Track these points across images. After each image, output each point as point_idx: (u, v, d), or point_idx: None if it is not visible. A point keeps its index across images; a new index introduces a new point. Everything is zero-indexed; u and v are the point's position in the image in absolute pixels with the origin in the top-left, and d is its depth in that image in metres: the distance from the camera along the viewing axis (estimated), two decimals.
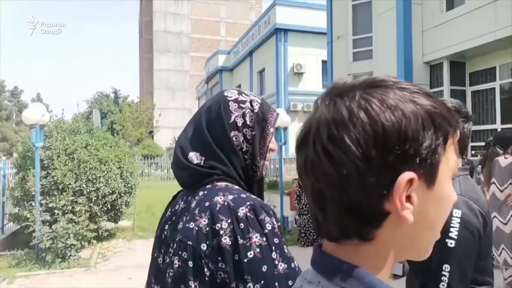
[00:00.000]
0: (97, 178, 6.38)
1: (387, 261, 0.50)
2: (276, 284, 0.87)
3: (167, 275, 0.94)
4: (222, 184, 0.99)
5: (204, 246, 0.88)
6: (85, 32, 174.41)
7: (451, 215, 1.26)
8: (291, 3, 22.05)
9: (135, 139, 25.74)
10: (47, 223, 5.79)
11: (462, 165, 1.40)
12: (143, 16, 55.26)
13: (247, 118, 1.03)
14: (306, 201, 5.20)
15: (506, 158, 3.91)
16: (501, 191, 3.86)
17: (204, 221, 0.90)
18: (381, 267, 0.50)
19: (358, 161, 0.45)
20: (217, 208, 0.91)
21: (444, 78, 10.19)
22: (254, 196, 0.97)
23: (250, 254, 0.86)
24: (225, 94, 1.07)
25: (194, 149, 1.01)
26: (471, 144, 8.84)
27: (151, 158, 23.55)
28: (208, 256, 0.88)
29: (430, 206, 0.49)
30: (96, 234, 6.45)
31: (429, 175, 0.47)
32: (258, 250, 0.87)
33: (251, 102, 1.05)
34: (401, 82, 0.49)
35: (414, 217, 0.46)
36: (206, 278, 0.87)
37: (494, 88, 9.60)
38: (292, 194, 7.54)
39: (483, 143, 6.75)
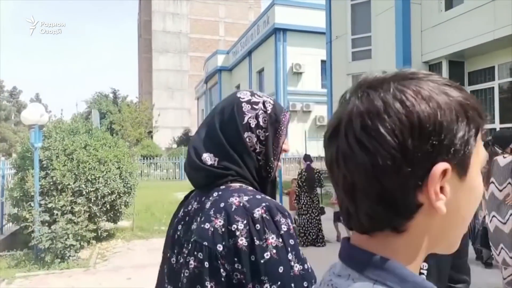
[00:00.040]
0: (96, 178, 6.38)
1: (418, 254, 0.50)
2: (292, 285, 0.87)
3: (182, 275, 0.94)
4: (236, 185, 1.00)
5: (220, 247, 0.89)
6: (84, 32, 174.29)
7: None
8: (290, 3, 22.04)
9: (134, 139, 25.73)
10: (46, 224, 5.78)
11: None
12: (142, 16, 55.22)
13: (260, 119, 1.03)
14: (305, 201, 5.21)
15: (505, 157, 3.91)
16: (500, 191, 3.86)
17: (220, 222, 0.91)
18: (412, 260, 0.50)
19: (394, 151, 0.45)
20: (233, 209, 0.91)
21: None
22: (269, 197, 0.97)
23: (267, 255, 0.87)
24: (238, 95, 1.07)
25: (207, 150, 1.02)
26: None
27: (150, 158, 23.54)
28: (224, 256, 0.88)
29: (462, 197, 0.49)
30: (95, 234, 6.44)
31: (461, 166, 0.47)
32: (274, 251, 0.87)
33: (264, 103, 1.06)
34: (432, 74, 0.50)
35: (446, 208, 0.46)
36: (222, 279, 0.87)
37: (493, 88, 9.60)
38: (291, 194, 7.54)
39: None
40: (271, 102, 1.07)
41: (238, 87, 29.30)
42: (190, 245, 0.94)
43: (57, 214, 5.82)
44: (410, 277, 0.47)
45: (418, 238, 0.49)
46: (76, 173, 6.25)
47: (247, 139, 1.01)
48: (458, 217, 0.50)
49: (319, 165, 14.43)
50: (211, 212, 0.93)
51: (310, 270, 0.92)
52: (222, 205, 0.93)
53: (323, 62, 18.52)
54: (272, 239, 0.88)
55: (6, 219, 6.79)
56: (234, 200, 0.93)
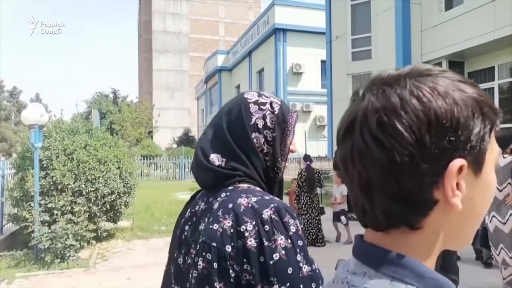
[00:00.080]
0: (96, 178, 6.38)
1: (433, 250, 0.50)
2: (301, 286, 0.87)
3: (190, 275, 0.94)
4: (244, 185, 1.00)
5: (228, 248, 0.89)
6: (84, 32, 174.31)
7: None
8: (290, 3, 22.06)
9: (134, 139, 25.73)
10: (46, 224, 5.78)
11: None
12: (142, 16, 55.23)
13: (268, 120, 1.03)
14: (305, 201, 5.20)
15: (504, 157, 3.92)
16: (500, 191, 3.87)
17: (228, 222, 0.91)
18: (428, 257, 0.50)
19: (411, 148, 0.45)
20: (241, 210, 0.91)
21: None
22: (277, 198, 0.97)
23: (276, 256, 0.87)
24: (245, 96, 1.07)
25: (215, 151, 1.02)
26: None
27: (150, 158, 23.54)
28: (233, 257, 0.88)
29: (477, 193, 0.49)
30: (95, 234, 6.44)
31: (477, 162, 0.48)
32: (283, 252, 0.87)
33: (271, 103, 1.06)
34: (446, 71, 0.50)
35: (461, 204, 0.46)
36: (231, 280, 0.88)
37: (492, 88, 9.61)
38: (291, 194, 7.54)
39: None
40: (278, 102, 1.08)
41: (238, 87, 29.31)
42: (198, 245, 0.94)
43: (57, 214, 5.82)
44: (427, 274, 0.48)
45: (433, 235, 0.49)
46: (76, 173, 6.25)
47: (255, 140, 1.02)
48: (472, 213, 0.50)
49: (319, 165, 14.44)
50: (219, 213, 0.93)
51: (317, 271, 0.92)
52: (230, 206, 0.93)
53: (323, 62, 18.54)
54: (281, 240, 0.88)
55: (6, 219, 6.79)
56: (243, 201, 0.93)
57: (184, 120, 48.32)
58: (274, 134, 1.03)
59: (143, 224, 8.50)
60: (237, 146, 1.01)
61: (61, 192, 6.08)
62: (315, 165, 7.85)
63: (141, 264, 5.84)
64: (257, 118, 1.03)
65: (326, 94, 14.49)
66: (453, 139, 0.45)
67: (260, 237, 0.88)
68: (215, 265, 0.89)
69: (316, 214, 6.87)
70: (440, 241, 0.50)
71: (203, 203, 1.03)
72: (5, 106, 51.75)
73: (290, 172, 16.43)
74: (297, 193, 7.09)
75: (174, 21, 50.53)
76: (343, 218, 6.84)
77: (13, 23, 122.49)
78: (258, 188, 1.00)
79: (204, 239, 0.92)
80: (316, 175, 7.02)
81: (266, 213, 0.90)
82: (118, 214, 7.20)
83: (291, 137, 1.08)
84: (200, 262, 0.91)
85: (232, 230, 0.90)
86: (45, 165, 6.17)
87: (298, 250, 0.89)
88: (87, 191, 6.28)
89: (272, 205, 0.92)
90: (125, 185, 7.00)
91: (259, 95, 1.08)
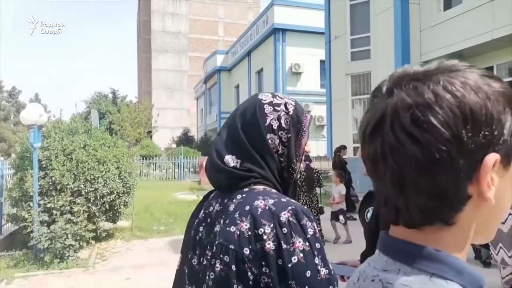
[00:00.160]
0: (96, 178, 6.37)
1: (466, 245, 0.51)
2: None
3: (207, 277, 0.94)
4: (260, 187, 0.99)
5: (246, 250, 0.89)
6: (83, 32, 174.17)
7: None
8: (289, 3, 22.06)
9: (133, 139, 25.71)
10: (45, 224, 5.78)
11: None
12: (141, 16, 55.19)
13: (282, 121, 1.03)
14: (304, 200, 5.20)
15: None
16: None
17: (246, 225, 0.91)
18: (461, 251, 0.50)
19: (448, 144, 0.45)
20: (259, 212, 0.91)
21: None
22: (294, 201, 0.97)
23: (294, 259, 0.87)
24: (260, 97, 1.07)
25: (230, 152, 1.02)
26: None
27: (149, 158, 23.51)
28: (251, 260, 0.88)
29: (506, 187, 0.49)
30: (94, 234, 6.44)
31: (507, 156, 0.48)
32: (301, 255, 0.88)
33: (285, 104, 1.06)
34: (471, 66, 0.50)
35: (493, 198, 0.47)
36: (250, 282, 0.88)
37: None
38: None
39: None
40: (293, 103, 1.08)
41: (237, 87, 29.32)
42: (215, 247, 0.94)
43: (56, 214, 5.82)
44: (466, 269, 0.48)
45: (465, 230, 0.50)
46: (75, 173, 6.24)
47: (270, 141, 1.02)
48: (501, 206, 0.51)
49: (318, 165, 14.43)
50: (236, 215, 0.93)
51: (333, 272, 0.92)
52: (247, 208, 0.93)
53: (322, 62, 18.55)
54: (299, 243, 0.88)
55: (5, 219, 6.78)
56: (260, 203, 0.93)
57: (183, 120, 48.30)
58: (289, 135, 1.04)
59: (142, 224, 8.49)
60: (252, 147, 1.01)
61: (60, 192, 6.08)
62: (314, 165, 7.86)
63: (140, 264, 5.84)
64: (272, 119, 1.03)
65: (325, 94, 14.50)
66: (488, 133, 0.46)
67: (278, 240, 0.88)
68: (233, 267, 0.89)
69: (315, 214, 6.87)
70: (470, 236, 0.50)
71: (217, 204, 1.03)
72: (4, 106, 51.68)
73: None
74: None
75: (173, 21, 50.51)
76: (341, 217, 6.85)
77: (13, 23, 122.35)
78: (273, 190, 1.00)
79: (221, 241, 0.92)
80: (315, 175, 7.02)
81: (284, 216, 0.90)
82: (117, 214, 7.20)
83: (306, 138, 1.08)
84: (217, 265, 0.91)
85: (249, 233, 0.90)
86: (44, 165, 6.17)
87: (316, 252, 0.90)
88: (86, 191, 6.27)
89: (290, 207, 0.92)
90: (124, 185, 6.99)
91: (274, 96, 1.08)
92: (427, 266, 0.48)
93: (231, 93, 30.50)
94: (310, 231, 0.91)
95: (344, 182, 7.48)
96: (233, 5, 52.20)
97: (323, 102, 15.52)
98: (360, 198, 2.04)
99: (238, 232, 0.91)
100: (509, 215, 3.99)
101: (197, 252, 1.02)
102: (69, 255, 5.74)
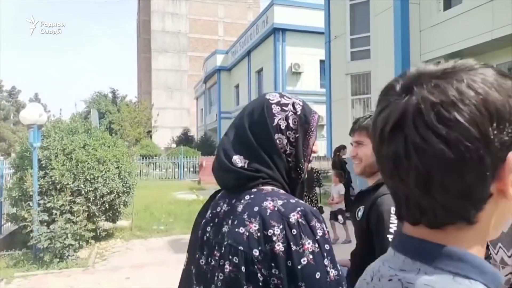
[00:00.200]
0: (95, 178, 6.38)
1: (484, 243, 0.51)
2: None
3: (215, 278, 0.94)
4: (268, 188, 0.99)
5: (256, 252, 0.89)
6: (83, 32, 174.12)
7: (390, 213, 1.39)
8: (289, 3, 22.06)
9: (133, 139, 25.72)
10: (45, 223, 5.78)
11: None
12: (141, 15, 55.16)
13: (290, 121, 1.03)
14: (304, 200, 5.22)
15: None
16: None
17: (255, 226, 0.91)
18: (480, 250, 0.50)
19: (476, 142, 0.44)
20: (268, 214, 0.91)
21: None
22: (302, 202, 0.97)
23: (304, 260, 0.87)
24: (267, 97, 1.07)
25: (237, 152, 1.02)
26: None
27: (149, 158, 23.52)
28: (261, 261, 0.88)
29: None
30: (94, 234, 6.44)
31: None
32: (311, 256, 0.88)
33: (293, 104, 1.06)
34: (485, 64, 0.50)
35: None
36: (260, 284, 0.88)
37: None
38: None
39: None
40: (300, 103, 1.07)
41: (237, 87, 29.31)
42: (223, 248, 0.94)
43: (56, 214, 5.82)
44: (486, 268, 0.48)
45: (485, 228, 0.49)
46: (75, 173, 6.24)
47: (278, 141, 1.01)
48: None
49: (318, 165, 14.44)
50: (245, 216, 0.93)
51: (341, 273, 0.92)
52: (256, 209, 0.93)
53: (322, 62, 18.54)
54: (308, 244, 0.88)
55: (4, 219, 6.78)
56: (268, 204, 0.93)
57: (183, 120, 48.29)
58: (297, 135, 1.03)
59: (142, 223, 8.49)
60: (260, 148, 1.00)
61: (60, 191, 6.08)
62: (314, 164, 7.85)
63: (140, 263, 5.84)
64: (279, 119, 1.02)
65: (325, 93, 14.50)
66: (511, 131, 0.46)
67: (287, 241, 0.88)
68: (243, 269, 0.89)
69: None
70: (489, 233, 0.50)
71: (225, 205, 1.03)
72: (4, 105, 51.66)
73: None
74: None
75: (173, 21, 50.49)
76: (340, 217, 6.85)
77: (14, 23, 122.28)
78: (282, 191, 1.00)
79: (230, 242, 0.92)
80: (315, 175, 7.02)
81: (293, 217, 0.90)
82: (117, 214, 7.20)
83: (314, 138, 1.08)
84: (226, 266, 0.91)
85: (259, 234, 0.90)
86: (44, 165, 6.17)
87: (325, 254, 0.90)
88: (86, 190, 6.27)
89: (299, 208, 0.92)
90: (124, 184, 6.99)
91: (281, 96, 1.08)
92: (449, 265, 0.47)
93: (231, 92, 30.50)
94: (319, 232, 0.91)
95: (344, 182, 7.48)
96: (233, 5, 52.19)
97: (323, 102, 15.51)
98: None
99: (247, 233, 0.91)
100: None
101: (204, 252, 1.02)
102: (68, 255, 5.74)
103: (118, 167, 6.90)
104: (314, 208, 0.96)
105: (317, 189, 7.17)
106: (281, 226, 0.89)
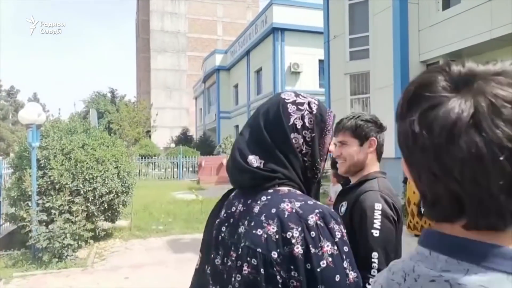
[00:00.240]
0: (94, 177, 6.37)
1: None
2: None
3: (233, 279, 0.93)
4: (285, 189, 0.98)
5: (274, 254, 0.88)
6: (83, 32, 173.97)
7: (373, 209, 1.43)
8: (288, 3, 22.05)
9: (132, 138, 25.69)
10: (44, 223, 5.77)
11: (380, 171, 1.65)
12: (140, 15, 55.12)
13: (306, 120, 1.02)
14: None
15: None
16: None
17: (273, 228, 0.90)
18: None
19: None
20: (286, 216, 0.90)
21: None
22: (320, 203, 0.96)
23: (323, 263, 0.86)
24: (283, 96, 1.06)
25: (253, 152, 1.01)
26: None
27: (148, 158, 23.50)
28: (280, 264, 0.88)
29: None
30: (93, 234, 6.43)
31: None
32: (330, 259, 0.87)
33: (309, 103, 1.05)
34: None
35: None
36: (279, 286, 0.87)
37: None
38: None
39: None
40: (316, 102, 1.07)
41: (236, 86, 29.30)
42: (240, 250, 0.93)
43: (54, 214, 5.81)
44: None
45: None
46: (74, 173, 6.24)
47: (294, 140, 1.00)
48: None
49: None
50: (263, 218, 0.92)
51: (359, 274, 0.92)
52: (273, 211, 0.92)
53: (321, 61, 18.55)
54: (327, 247, 0.88)
55: (3, 219, 6.77)
56: (286, 206, 0.92)
57: (182, 120, 48.27)
58: (313, 134, 1.03)
59: (141, 223, 8.49)
60: (276, 147, 1.00)
61: (59, 191, 6.07)
62: None
63: (139, 263, 5.84)
64: (295, 118, 1.02)
65: (324, 93, 14.50)
66: None
67: (306, 244, 0.87)
68: (262, 271, 0.88)
69: None
70: None
71: (240, 205, 1.02)
72: (3, 105, 51.58)
73: None
74: None
75: (172, 20, 50.45)
76: None
77: (13, 23, 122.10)
78: (298, 192, 0.99)
79: (247, 244, 0.92)
80: None
81: (312, 219, 0.89)
82: (116, 214, 7.19)
83: (329, 137, 1.07)
84: (245, 267, 0.91)
85: (277, 236, 0.89)
86: (42, 165, 6.16)
87: (344, 256, 0.89)
88: (85, 190, 6.27)
89: (317, 210, 0.91)
90: (123, 184, 6.99)
91: (296, 95, 1.07)
92: (502, 264, 0.46)
93: (230, 92, 30.49)
94: (338, 235, 0.90)
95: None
96: (232, 4, 52.17)
97: (322, 102, 15.53)
98: None
99: (265, 236, 0.90)
100: None
101: (220, 252, 1.01)
102: (67, 255, 5.73)
103: (117, 167, 6.90)
104: (332, 210, 0.95)
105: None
106: (299, 229, 0.88)
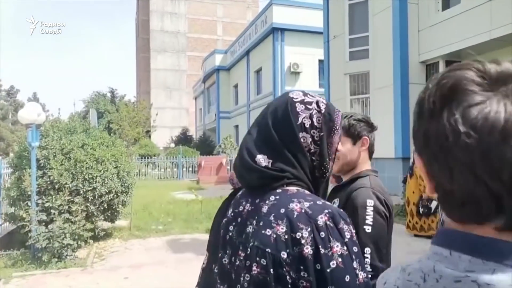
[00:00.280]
0: (94, 177, 6.37)
1: None
2: None
3: (242, 278, 0.93)
4: (293, 188, 0.98)
5: (284, 254, 0.88)
6: (83, 32, 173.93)
7: (365, 205, 1.45)
8: (288, 3, 22.06)
9: (132, 138, 25.68)
10: (43, 223, 5.77)
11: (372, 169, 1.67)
12: (140, 15, 55.13)
13: (315, 119, 1.02)
14: None
15: None
16: None
17: (282, 228, 0.90)
18: None
19: None
20: (295, 216, 0.90)
21: None
22: (329, 203, 0.96)
23: (333, 264, 0.87)
24: (291, 95, 1.06)
25: (261, 151, 1.00)
26: None
27: (148, 158, 23.50)
28: (289, 264, 0.88)
29: None
30: (92, 233, 6.42)
31: None
32: (340, 259, 0.87)
33: (317, 103, 1.05)
34: None
35: None
36: (289, 286, 0.87)
37: None
38: None
39: None
40: (324, 102, 1.07)
41: (236, 86, 29.30)
42: (249, 249, 0.93)
43: (54, 214, 5.81)
44: None
45: None
46: (74, 173, 6.23)
47: (302, 140, 1.00)
48: None
49: None
50: (271, 218, 0.92)
51: (368, 274, 0.92)
52: (282, 211, 0.92)
53: (320, 61, 18.54)
54: (337, 247, 0.88)
55: (3, 219, 6.77)
56: (295, 206, 0.92)
57: (182, 120, 48.28)
58: (322, 134, 1.02)
59: (140, 223, 8.48)
60: (284, 146, 0.99)
61: (59, 191, 6.07)
62: None
63: (138, 263, 5.84)
64: (304, 118, 1.01)
65: (324, 93, 14.49)
66: None
67: (316, 245, 0.87)
68: (271, 271, 0.88)
69: None
70: None
71: (248, 204, 1.02)
72: (2, 105, 51.57)
73: None
74: None
75: (172, 20, 50.45)
76: None
77: (13, 23, 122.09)
78: (307, 192, 0.99)
79: (256, 244, 0.92)
80: None
81: (321, 220, 0.89)
82: (115, 214, 7.19)
83: (338, 137, 1.07)
84: (254, 267, 0.90)
85: (286, 237, 0.89)
86: (42, 165, 6.16)
87: (354, 256, 0.89)
88: (85, 190, 6.27)
89: (326, 210, 0.91)
90: (122, 184, 6.98)
91: (305, 94, 1.07)
92: None
93: (230, 92, 30.49)
94: (347, 235, 0.90)
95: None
96: (232, 4, 52.18)
97: None
98: None
99: (274, 236, 0.90)
100: None
101: (227, 251, 1.01)
102: (67, 255, 5.73)
103: (117, 166, 6.89)
104: (341, 210, 0.95)
105: None
106: (309, 229, 0.88)
